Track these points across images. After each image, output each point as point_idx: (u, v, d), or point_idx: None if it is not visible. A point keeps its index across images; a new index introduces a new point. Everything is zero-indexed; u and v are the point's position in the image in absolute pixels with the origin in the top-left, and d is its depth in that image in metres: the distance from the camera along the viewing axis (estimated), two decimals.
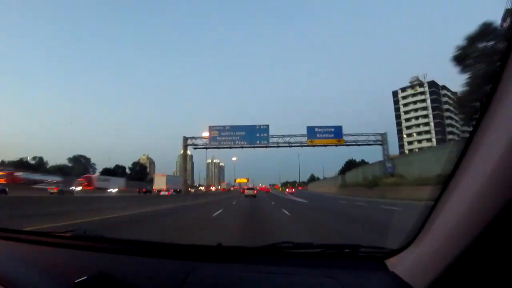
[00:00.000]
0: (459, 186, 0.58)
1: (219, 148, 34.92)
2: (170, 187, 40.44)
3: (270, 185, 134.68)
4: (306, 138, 33.79)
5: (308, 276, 0.86)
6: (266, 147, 34.11)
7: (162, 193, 35.52)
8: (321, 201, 23.67)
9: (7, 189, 21.95)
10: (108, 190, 36.12)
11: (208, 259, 1.00)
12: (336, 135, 33.85)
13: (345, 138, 34.08)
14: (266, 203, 19.55)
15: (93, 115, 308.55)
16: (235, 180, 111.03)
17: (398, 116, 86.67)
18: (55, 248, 1.11)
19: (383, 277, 0.83)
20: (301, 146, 34.39)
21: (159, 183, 41.42)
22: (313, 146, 34.23)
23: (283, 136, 34.45)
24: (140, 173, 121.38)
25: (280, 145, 34.37)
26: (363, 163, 67.88)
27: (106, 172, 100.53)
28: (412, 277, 0.72)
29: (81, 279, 0.73)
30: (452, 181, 0.60)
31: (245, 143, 33.75)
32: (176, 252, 1.08)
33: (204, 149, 35.45)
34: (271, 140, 33.85)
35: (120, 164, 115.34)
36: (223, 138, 33.86)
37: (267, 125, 33.81)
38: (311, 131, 33.79)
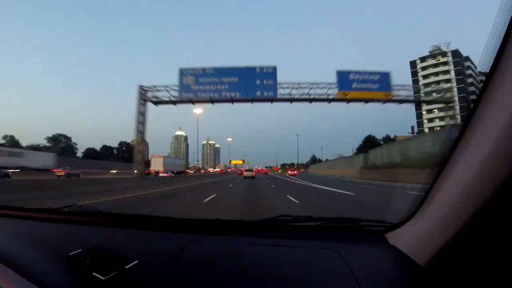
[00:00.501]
0: (461, 160, 0.56)
1: (194, 103, 21.32)
2: (168, 169, 38.18)
3: (266, 167, 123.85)
4: (336, 89, 20.63)
5: (308, 249, 0.83)
6: (272, 101, 20.69)
7: (161, 174, 33.56)
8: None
9: (10, 173, 20.43)
10: (10, 171, 22.16)
11: (205, 232, 0.98)
12: (382, 85, 20.79)
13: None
14: (276, 195, 11.33)
15: (86, 95, 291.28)
16: (230, 162, 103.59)
17: (416, 90, 73.76)
18: (51, 223, 1.08)
19: (384, 251, 0.81)
20: (329, 100, 21.11)
21: (156, 165, 39.26)
22: (348, 101, 21.08)
23: (299, 85, 20.87)
24: (128, 153, 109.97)
25: (295, 98, 20.90)
26: (388, 139, 55.26)
27: (90, 153, 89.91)
28: (413, 251, 0.70)
29: (75, 252, 0.71)
30: (453, 155, 0.58)
31: (238, 94, 20.28)
32: (174, 226, 1.05)
33: (172, 105, 21.77)
34: (280, 91, 20.43)
35: (109, 145, 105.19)
36: (202, 87, 20.39)
37: (274, 67, 20.35)
38: (344, 79, 20.61)
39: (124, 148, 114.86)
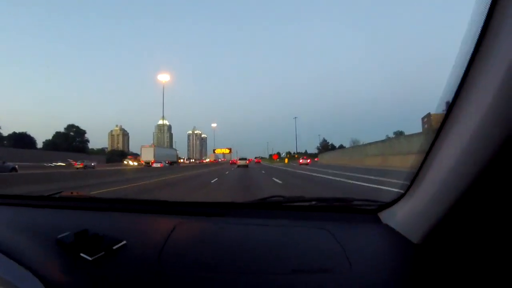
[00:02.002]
0: (450, 136, 0.54)
1: None
2: (160, 159, 34.28)
3: (256, 157, 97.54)
4: None
5: (299, 228, 0.81)
6: None
7: (155, 165, 29.69)
8: None
9: (17, 167, 18.28)
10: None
11: (196, 214, 0.95)
12: None
13: None
14: None
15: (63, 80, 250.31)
16: (214, 151, 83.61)
17: None
18: (42, 209, 1.04)
19: (376, 229, 0.79)
20: None
21: (147, 155, 35.41)
22: None
23: None
24: (78, 140, 78.10)
25: None
26: None
27: (19, 140, 60.51)
28: (406, 229, 0.69)
29: (64, 235, 0.70)
30: (443, 130, 0.56)
31: None
32: (163, 208, 1.01)
33: None
34: None
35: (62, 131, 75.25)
36: None
37: None
38: None
39: (72, 134, 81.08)
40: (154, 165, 30.36)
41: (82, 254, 0.63)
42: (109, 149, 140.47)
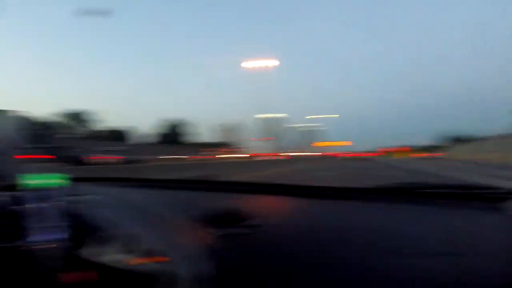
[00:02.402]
0: None
1: None
2: (269, 151, 38.68)
3: (373, 151, 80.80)
4: None
5: (421, 213, 0.83)
6: None
7: (268, 157, 32.29)
8: None
9: (82, 157, 18.44)
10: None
11: (321, 197, 1.01)
12: None
13: None
14: None
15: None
16: (316, 143, 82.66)
17: None
18: (178, 190, 1.21)
19: (500, 218, 0.77)
20: None
21: (258, 148, 41.33)
22: None
23: None
24: (180, 133, 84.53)
25: None
26: None
27: (112, 136, 62.20)
28: None
29: (196, 212, 0.74)
30: None
31: None
32: (292, 191, 1.11)
33: None
34: None
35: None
36: None
37: None
38: None
39: (176, 127, 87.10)
40: (268, 157, 31.64)
41: (212, 230, 0.66)
42: (218, 141, 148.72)
